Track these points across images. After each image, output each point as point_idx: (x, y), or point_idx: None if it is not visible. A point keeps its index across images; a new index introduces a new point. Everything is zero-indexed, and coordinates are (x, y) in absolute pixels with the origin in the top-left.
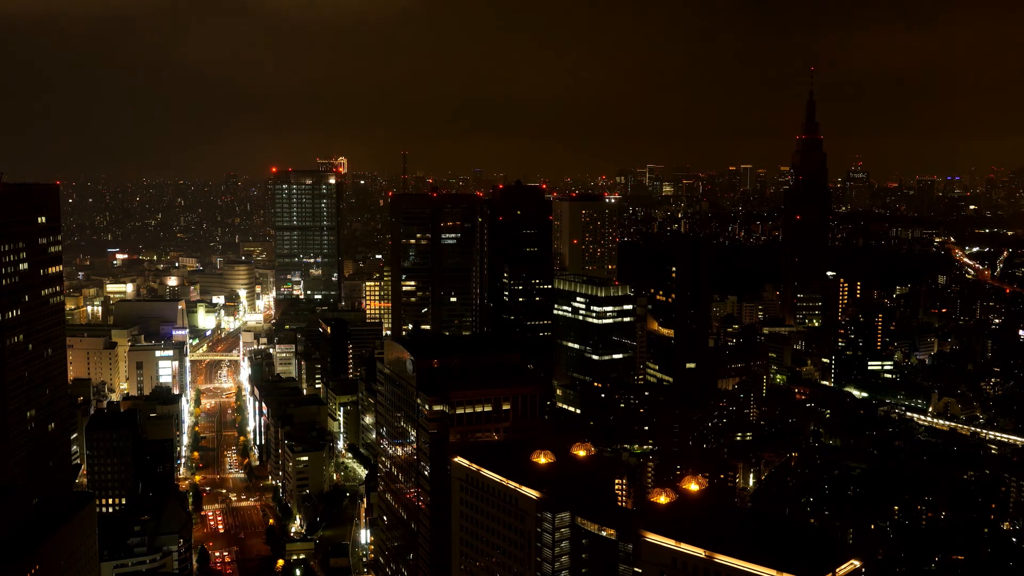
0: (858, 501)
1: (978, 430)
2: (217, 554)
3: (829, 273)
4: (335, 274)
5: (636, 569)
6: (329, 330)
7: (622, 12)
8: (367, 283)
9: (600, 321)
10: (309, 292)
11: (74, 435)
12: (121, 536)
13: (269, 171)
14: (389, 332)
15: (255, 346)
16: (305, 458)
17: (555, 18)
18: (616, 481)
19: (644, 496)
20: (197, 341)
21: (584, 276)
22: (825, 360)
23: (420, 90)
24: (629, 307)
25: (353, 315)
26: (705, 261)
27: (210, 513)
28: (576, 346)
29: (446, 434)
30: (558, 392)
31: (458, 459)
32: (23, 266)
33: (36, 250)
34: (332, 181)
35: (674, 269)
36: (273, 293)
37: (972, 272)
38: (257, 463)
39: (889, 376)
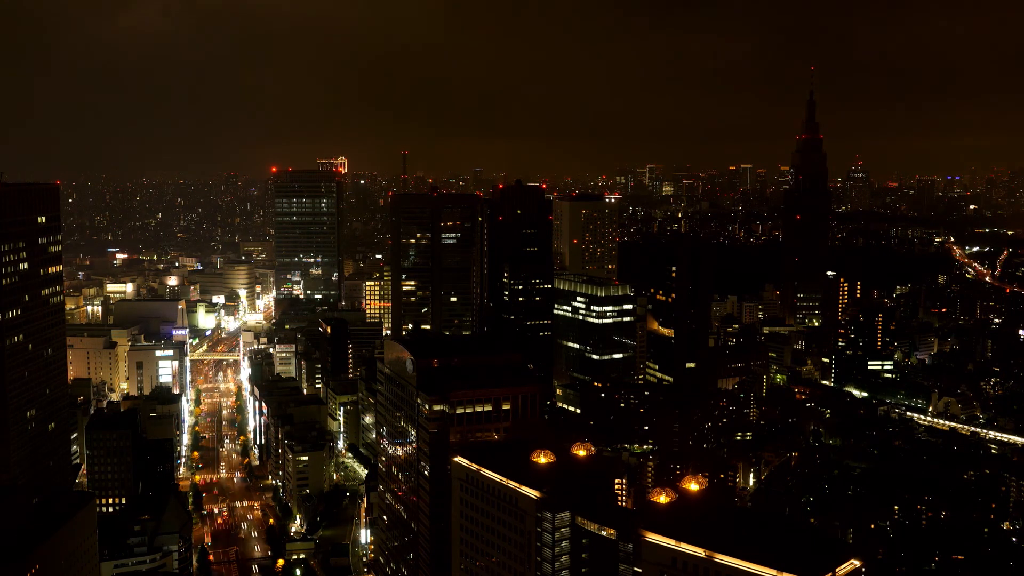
0: (858, 501)
1: (978, 430)
2: (217, 554)
3: (829, 273)
4: (335, 274)
5: (636, 569)
6: (329, 330)
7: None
8: (367, 283)
9: (600, 321)
10: (309, 292)
11: (74, 435)
12: (121, 536)
13: (269, 171)
14: (389, 332)
15: (255, 346)
16: (305, 458)
17: (554, 18)
18: (616, 481)
19: (644, 496)
20: (197, 341)
21: (584, 276)
22: (825, 360)
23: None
24: (629, 307)
25: (353, 315)
26: (705, 261)
27: (210, 513)
28: (576, 346)
29: (446, 434)
30: (558, 392)
31: (458, 459)
32: (23, 266)
33: (36, 250)
34: (332, 181)
35: (674, 269)
36: (273, 293)
37: (972, 272)
38: (257, 463)
39: (889, 376)
